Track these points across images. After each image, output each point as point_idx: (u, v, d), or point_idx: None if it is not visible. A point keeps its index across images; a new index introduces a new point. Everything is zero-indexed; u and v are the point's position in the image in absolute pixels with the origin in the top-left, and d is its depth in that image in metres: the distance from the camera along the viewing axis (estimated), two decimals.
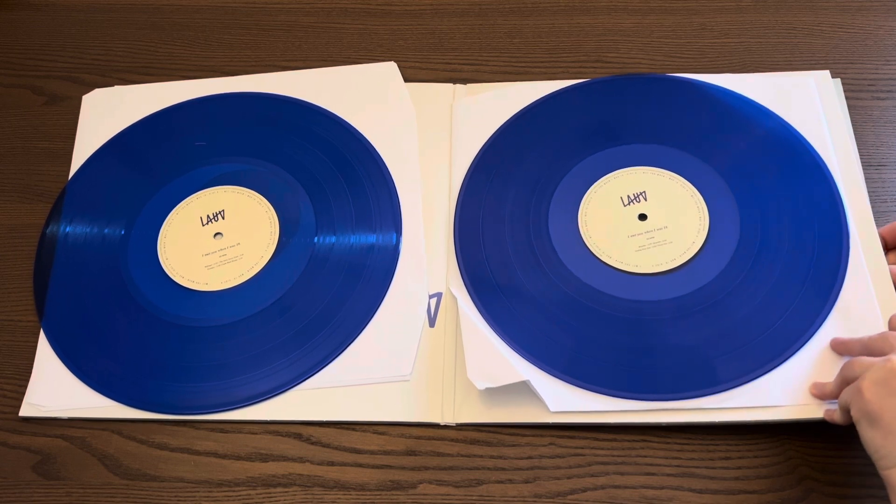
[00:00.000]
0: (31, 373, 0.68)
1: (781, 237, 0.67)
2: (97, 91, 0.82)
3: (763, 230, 0.68)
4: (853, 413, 0.54)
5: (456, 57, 0.81)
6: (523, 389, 0.62)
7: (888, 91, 0.76)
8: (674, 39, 0.81)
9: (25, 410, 0.66)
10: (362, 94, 0.79)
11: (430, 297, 0.68)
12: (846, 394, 0.55)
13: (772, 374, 0.62)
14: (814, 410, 0.60)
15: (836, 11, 0.82)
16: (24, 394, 0.67)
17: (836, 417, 0.58)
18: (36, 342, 0.69)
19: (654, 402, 0.61)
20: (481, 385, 0.61)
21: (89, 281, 0.71)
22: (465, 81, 0.79)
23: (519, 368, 0.63)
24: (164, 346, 0.68)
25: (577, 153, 0.73)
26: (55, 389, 0.66)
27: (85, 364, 0.67)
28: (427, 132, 0.76)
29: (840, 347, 0.61)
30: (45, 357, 0.68)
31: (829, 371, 0.61)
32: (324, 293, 0.69)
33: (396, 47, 0.83)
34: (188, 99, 0.80)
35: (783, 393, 0.61)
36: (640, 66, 0.79)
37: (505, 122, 0.76)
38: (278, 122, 0.78)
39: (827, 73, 0.76)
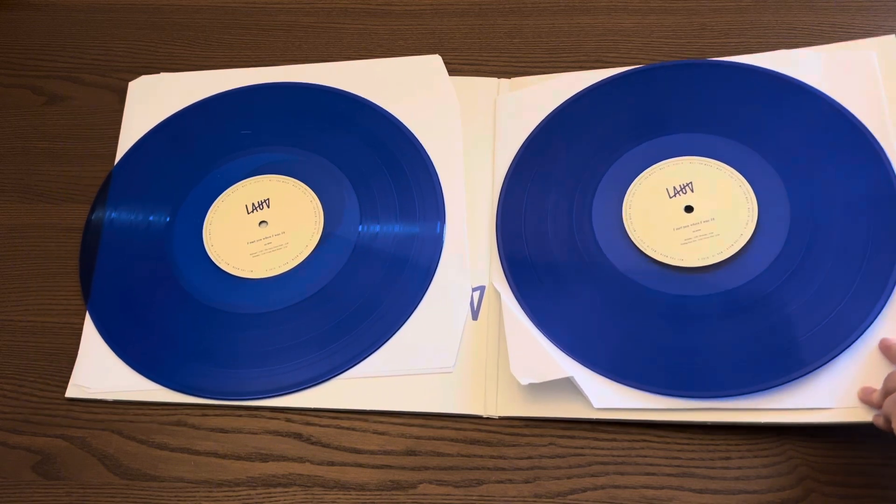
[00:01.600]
0: (30, 372, 0.68)
1: (833, 231, 0.64)
2: (143, 77, 0.82)
3: (814, 223, 0.65)
4: (894, 425, 0.53)
5: (456, 57, 0.81)
6: (566, 385, 0.62)
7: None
8: (674, 39, 0.81)
9: (71, 392, 0.67)
10: (407, 86, 0.79)
11: (473, 290, 0.68)
12: (888, 405, 0.54)
13: (819, 374, 0.59)
14: (862, 414, 0.58)
15: (836, 11, 0.82)
16: (23, 393, 0.67)
17: (883, 424, 0.56)
18: (35, 342, 0.69)
19: (699, 400, 0.60)
20: (525, 380, 0.61)
21: (135, 265, 0.72)
22: None
23: (562, 364, 0.62)
24: (209, 332, 0.68)
25: (622, 144, 0.72)
26: (100, 371, 0.67)
27: (130, 347, 0.68)
28: (470, 125, 0.76)
29: (887, 352, 0.59)
30: (91, 340, 0.69)
31: (881, 371, 0.58)
32: (367, 283, 0.69)
33: (396, 47, 0.83)
34: (234, 87, 0.81)
35: (831, 394, 0.59)
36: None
37: (548, 115, 0.75)
38: (323, 112, 0.78)
39: (892, 37, 0.71)
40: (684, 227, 0.67)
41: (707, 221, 0.67)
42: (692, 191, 0.68)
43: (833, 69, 0.72)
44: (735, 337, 0.62)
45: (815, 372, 0.60)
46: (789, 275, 0.63)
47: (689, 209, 0.68)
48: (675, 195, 0.69)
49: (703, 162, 0.70)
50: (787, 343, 0.61)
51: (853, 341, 0.60)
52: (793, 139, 0.69)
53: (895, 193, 0.65)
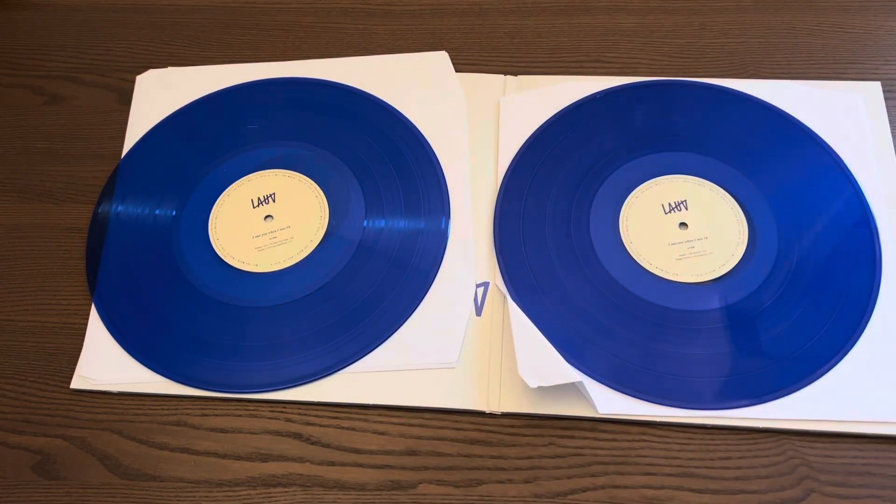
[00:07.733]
0: (30, 372, 0.68)
1: (817, 259, 0.67)
2: (151, 71, 0.82)
3: (799, 250, 0.68)
4: None
5: (456, 57, 0.81)
6: (570, 384, 0.63)
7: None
8: (674, 39, 0.81)
9: (76, 383, 0.67)
10: (413, 83, 0.80)
11: (477, 286, 0.68)
12: None
13: (813, 387, 0.62)
14: (840, 426, 0.61)
15: (836, 11, 0.82)
16: (23, 393, 0.67)
17: None
18: (35, 342, 0.69)
19: (698, 410, 0.62)
20: (533, 383, 0.61)
21: (141, 258, 0.72)
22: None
23: (572, 369, 0.63)
24: (214, 325, 0.68)
25: (621, 157, 0.73)
26: (105, 364, 0.68)
27: (135, 340, 0.68)
28: (476, 123, 0.76)
29: None
30: (96, 332, 0.69)
31: (860, 387, 0.61)
32: (372, 277, 0.69)
33: (397, 47, 0.83)
34: (241, 82, 0.81)
35: (831, 405, 0.61)
36: (640, 67, 0.79)
37: (548, 120, 0.75)
38: (330, 108, 0.79)
39: (878, 84, 0.76)
40: (679, 242, 0.68)
41: (700, 240, 0.68)
42: (686, 208, 0.70)
43: (826, 106, 0.75)
44: (729, 351, 0.64)
45: (809, 385, 0.62)
46: (778, 295, 0.66)
47: (683, 226, 0.69)
48: (670, 211, 0.70)
49: (698, 182, 0.71)
50: (776, 361, 0.63)
51: (837, 362, 0.63)
52: (782, 170, 0.72)
53: (870, 233, 0.68)
